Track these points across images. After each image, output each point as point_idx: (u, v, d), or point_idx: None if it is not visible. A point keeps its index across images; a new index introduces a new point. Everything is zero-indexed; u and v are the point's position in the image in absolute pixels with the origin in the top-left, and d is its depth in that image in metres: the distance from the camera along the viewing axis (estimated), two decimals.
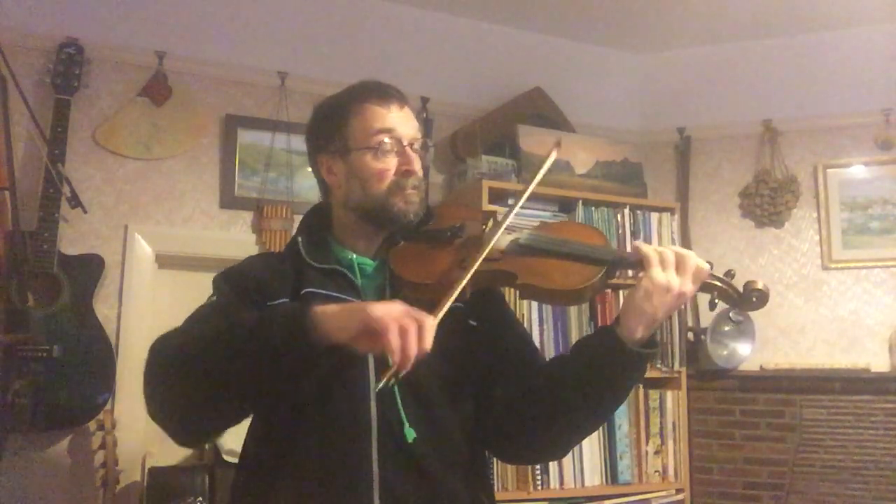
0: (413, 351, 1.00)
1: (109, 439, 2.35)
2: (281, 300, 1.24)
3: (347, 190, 1.31)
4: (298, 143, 2.91)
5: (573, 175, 3.02)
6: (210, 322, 1.17)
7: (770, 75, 3.38)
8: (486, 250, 1.20)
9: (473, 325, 1.30)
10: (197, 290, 3.02)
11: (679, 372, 2.96)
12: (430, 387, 1.22)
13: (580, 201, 2.89)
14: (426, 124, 3.11)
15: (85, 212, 2.55)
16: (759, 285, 1.23)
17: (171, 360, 1.11)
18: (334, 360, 1.10)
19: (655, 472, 2.85)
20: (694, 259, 1.18)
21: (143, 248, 2.70)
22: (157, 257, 2.73)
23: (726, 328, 3.13)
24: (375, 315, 1.00)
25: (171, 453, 2.61)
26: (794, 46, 3.33)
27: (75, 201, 2.50)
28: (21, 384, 2.29)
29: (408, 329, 1.00)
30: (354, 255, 1.31)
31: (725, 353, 3.17)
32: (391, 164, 1.27)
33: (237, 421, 1.18)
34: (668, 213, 3.06)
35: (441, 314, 1.09)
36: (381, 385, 1.03)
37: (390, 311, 1.01)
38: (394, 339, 0.99)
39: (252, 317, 1.10)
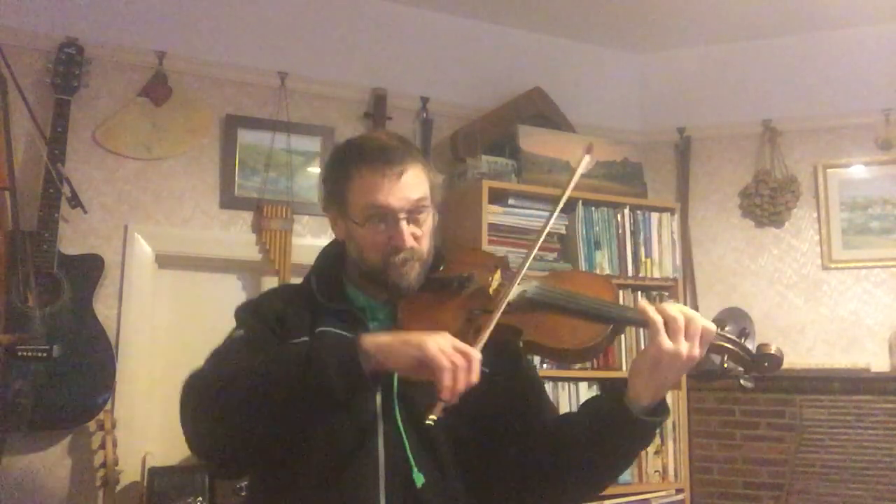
0: (463, 386, 1.04)
1: (109, 439, 2.35)
2: (301, 339, 1.23)
3: (349, 248, 1.32)
4: (298, 143, 2.91)
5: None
6: (248, 356, 1.16)
7: (770, 75, 3.38)
8: (500, 311, 1.18)
9: (485, 372, 1.25)
10: (197, 290, 3.02)
11: None
12: (439, 431, 1.19)
13: (580, 201, 2.89)
14: (426, 124, 3.11)
15: (85, 212, 2.55)
16: (773, 349, 1.19)
17: (215, 394, 1.10)
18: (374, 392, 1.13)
19: (655, 472, 2.85)
20: (700, 322, 1.14)
21: (143, 248, 2.70)
22: (157, 257, 2.73)
23: (726, 328, 3.12)
24: (431, 352, 1.04)
25: (171, 453, 2.61)
26: (794, 46, 3.33)
27: (75, 201, 2.50)
28: (21, 384, 2.29)
29: (460, 367, 1.04)
30: (366, 298, 1.31)
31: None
32: (382, 238, 1.25)
33: (275, 455, 1.18)
34: (668, 213, 3.06)
35: (482, 343, 1.12)
36: (433, 418, 1.06)
37: (443, 348, 1.05)
38: (448, 378, 1.03)
39: (298, 348, 1.12)
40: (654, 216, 3.03)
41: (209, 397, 1.10)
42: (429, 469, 1.19)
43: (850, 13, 3.11)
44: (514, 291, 1.22)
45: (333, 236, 1.39)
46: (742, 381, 1.21)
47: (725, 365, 1.21)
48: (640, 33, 3.38)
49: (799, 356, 3.21)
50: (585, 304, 1.20)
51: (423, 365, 1.05)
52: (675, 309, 1.15)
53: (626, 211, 2.97)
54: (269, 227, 2.83)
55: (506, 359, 1.31)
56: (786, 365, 3.62)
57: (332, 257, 1.38)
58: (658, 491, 2.84)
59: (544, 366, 2.68)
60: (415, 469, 1.17)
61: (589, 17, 3.26)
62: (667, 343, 1.12)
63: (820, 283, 3.26)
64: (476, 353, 1.07)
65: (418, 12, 3.19)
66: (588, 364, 2.81)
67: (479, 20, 3.29)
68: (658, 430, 1.19)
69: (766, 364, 1.20)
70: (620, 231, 2.96)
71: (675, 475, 2.89)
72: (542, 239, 1.33)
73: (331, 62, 3.03)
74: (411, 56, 3.17)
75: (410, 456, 1.18)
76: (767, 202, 3.33)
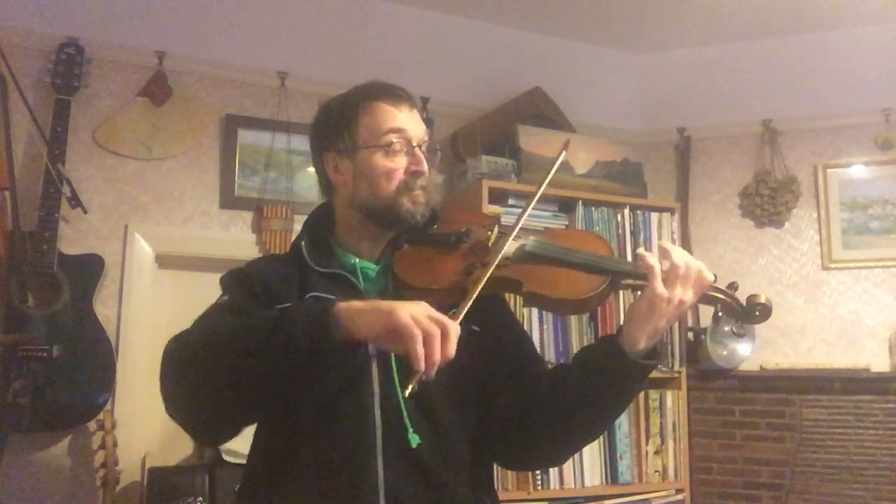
0: (437, 357, 1.00)
1: (109, 439, 2.34)
2: (287, 304, 1.23)
3: (354, 189, 1.30)
4: (298, 143, 2.91)
5: (573, 175, 3.02)
6: (227, 319, 1.16)
7: (770, 75, 3.38)
8: (496, 261, 1.19)
9: (476, 330, 1.28)
10: (197, 290, 3.01)
11: (679, 372, 2.95)
12: (434, 391, 1.20)
13: (580, 201, 2.89)
14: (426, 124, 3.09)
15: (85, 212, 2.55)
16: (762, 299, 1.23)
17: (189, 357, 1.10)
18: (349, 361, 1.09)
19: (655, 472, 2.85)
20: (696, 269, 1.18)
21: (143, 248, 2.70)
22: (157, 257, 2.73)
23: (726, 328, 3.13)
24: (402, 320, 1.00)
25: (171, 453, 2.61)
26: (794, 46, 3.33)
27: (75, 201, 2.50)
28: (21, 384, 2.29)
29: (433, 335, 1.00)
30: (357, 259, 1.30)
31: (725, 353, 3.17)
32: (400, 163, 1.27)
33: (253, 420, 1.19)
34: (668, 213, 3.05)
35: (461, 317, 1.08)
36: (408, 391, 1.02)
37: (416, 316, 1.00)
38: (419, 347, 0.99)
39: (273, 313, 1.09)
40: (654, 216, 3.02)
41: (184, 360, 1.11)
42: (425, 429, 1.20)
43: (850, 13, 3.10)
44: (513, 245, 1.23)
45: None
46: (734, 331, 1.27)
47: (720, 314, 1.25)
48: (640, 33, 3.38)
49: (799, 356, 3.21)
50: (583, 257, 1.23)
51: (394, 332, 1.00)
52: (678, 255, 1.18)
53: (626, 211, 2.97)
54: (269, 227, 2.83)
55: (493, 314, 1.33)
56: (786, 365, 3.62)
57: (320, 220, 1.38)
58: (658, 491, 2.84)
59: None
60: (410, 429, 1.18)
61: (589, 17, 3.26)
62: (661, 288, 1.16)
63: (820, 283, 3.26)
64: (454, 325, 1.03)
65: (418, 12, 3.18)
66: None
67: (479, 20, 3.29)
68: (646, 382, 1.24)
69: (758, 313, 1.23)
70: (620, 231, 2.95)
71: (675, 475, 2.88)
72: (536, 199, 1.32)
73: (331, 62, 3.03)
74: (411, 56, 3.17)
75: (406, 417, 1.18)
76: (767, 202, 3.33)
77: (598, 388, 1.20)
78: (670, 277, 1.17)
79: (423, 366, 0.99)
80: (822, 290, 3.26)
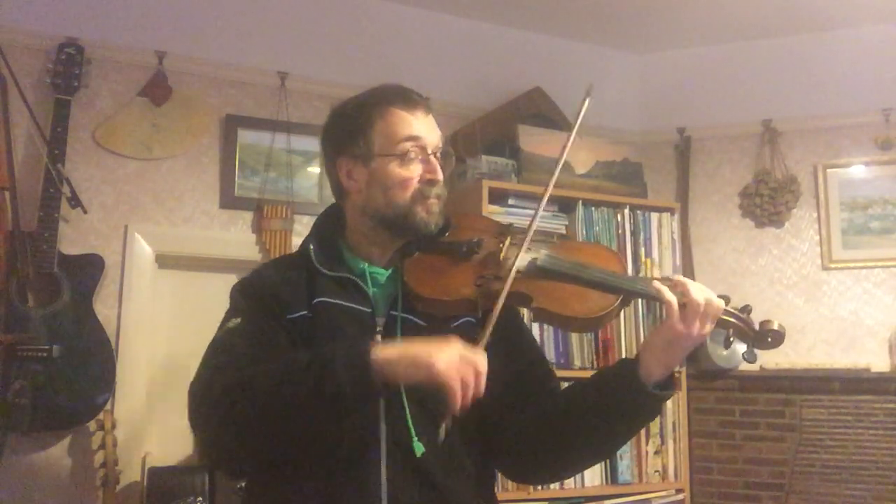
0: (471, 399, 1.06)
1: (109, 439, 2.34)
2: (299, 313, 1.24)
3: (368, 196, 1.28)
4: (298, 143, 2.91)
5: (573, 175, 3.02)
6: (249, 352, 1.17)
7: (770, 75, 3.38)
8: (511, 278, 1.19)
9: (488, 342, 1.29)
10: (197, 290, 3.03)
11: (679, 372, 2.95)
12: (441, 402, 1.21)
13: (580, 201, 2.89)
14: None
15: (85, 212, 2.55)
16: (775, 325, 1.23)
17: (229, 406, 1.11)
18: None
19: (655, 472, 2.85)
20: (714, 302, 1.18)
21: (143, 248, 2.69)
22: (157, 257, 2.73)
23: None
24: (442, 376, 1.04)
25: (171, 453, 2.61)
26: (794, 46, 3.33)
27: (75, 201, 2.50)
28: (21, 384, 2.29)
29: (469, 384, 1.05)
30: (366, 265, 1.29)
31: (725, 353, 3.17)
32: (416, 172, 1.26)
33: (283, 457, 1.20)
34: (668, 213, 3.05)
35: (485, 341, 1.12)
36: (443, 432, 1.12)
37: (453, 364, 1.05)
38: (457, 396, 1.05)
39: (310, 363, 1.10)
40: (654, 216, 3.02)
41: (223, 408, 1.11)
42: (431, 439, 1.20)
43: (850, 13, 3.11)
44: (525, 259, 1.22)
45: None
46: (745, 356, 1.25)
47: (731, 339, 1.24)
48: (640, 33, 3.38)
49: (799, 356, 3.21)
50: (596, 275, 1.21)
51: (432, 382, 1.06)
52: (696, 291, 1.17)
53: (626, 211, 2.97)
54: (269, 227, 2.83)
55: (506, 326, 1.30)
56: (786, 365, 3.62)
57: (330, 223, 1.37)
58: (658, 491, 2.84)
59: None
60: (414, 439, 1.18)
61: (589, 17, 3.26)
62: (680, 325, 1.16)
63: (820, 283, 3.26)
64: (483, 364, 1.07)
65: (418, 12, 3.18)
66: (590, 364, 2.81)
67: (479, 20, 3.29)
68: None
69: (770, 339, 1.23)
70: (620, 231, 2.95)
71: (675, 475, 2.89)
72: (545, 199, 1.30)
73: (331, 62, 3.03)
74: (411, 56, 3.17)
75: (411, 426, 1.18)
76: (767, 202, 3.33)
77: (613, 415, 1.21)
78: (688, 313, 1.16)
79: (458, 409, 1.06)
80: (822, 290, 3.26)
